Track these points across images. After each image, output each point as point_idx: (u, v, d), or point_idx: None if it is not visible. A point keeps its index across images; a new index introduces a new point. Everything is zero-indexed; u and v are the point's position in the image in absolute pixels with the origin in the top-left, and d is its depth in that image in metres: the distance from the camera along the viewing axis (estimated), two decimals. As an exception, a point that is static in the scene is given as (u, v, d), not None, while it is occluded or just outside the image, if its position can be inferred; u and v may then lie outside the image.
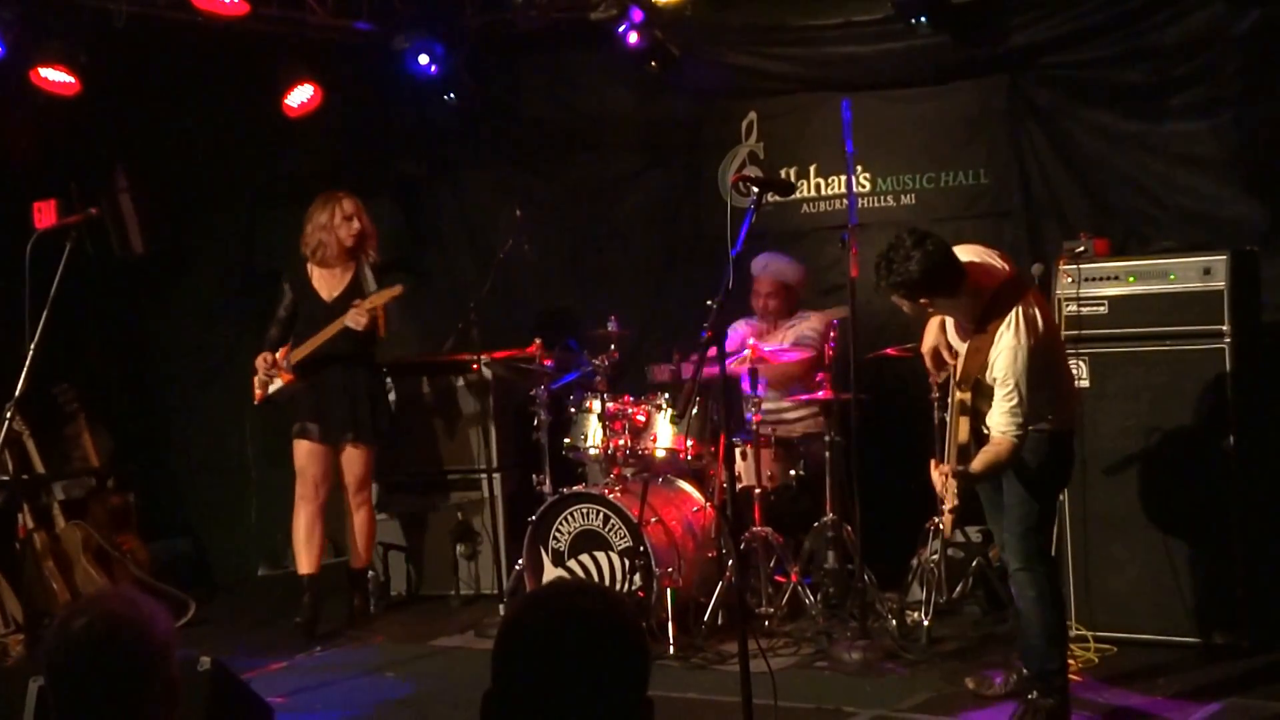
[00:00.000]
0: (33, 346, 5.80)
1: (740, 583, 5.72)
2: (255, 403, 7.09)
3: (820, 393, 6.50)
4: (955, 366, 4.92)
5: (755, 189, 4.81)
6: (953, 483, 4.71)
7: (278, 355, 6.93)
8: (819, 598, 6.31)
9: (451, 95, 8.02)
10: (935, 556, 6.21)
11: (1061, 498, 5.72)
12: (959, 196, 7.15)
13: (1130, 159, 6.66)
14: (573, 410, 6.77)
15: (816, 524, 6.43)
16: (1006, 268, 4.88)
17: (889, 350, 6.39)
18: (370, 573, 7.42)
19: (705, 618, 6.19)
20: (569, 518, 6.51)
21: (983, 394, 4.77)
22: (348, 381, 6.90)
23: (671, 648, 6.02)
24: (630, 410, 6.53)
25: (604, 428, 6.54)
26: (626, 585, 6.16)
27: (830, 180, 7.42)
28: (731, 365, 6.12)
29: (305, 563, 6.96)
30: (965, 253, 4.87)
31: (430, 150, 8.52)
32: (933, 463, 4.86)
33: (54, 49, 7.06)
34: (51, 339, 5.89)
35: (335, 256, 6.94)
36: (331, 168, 8.43)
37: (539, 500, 6.69)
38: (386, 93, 8.29)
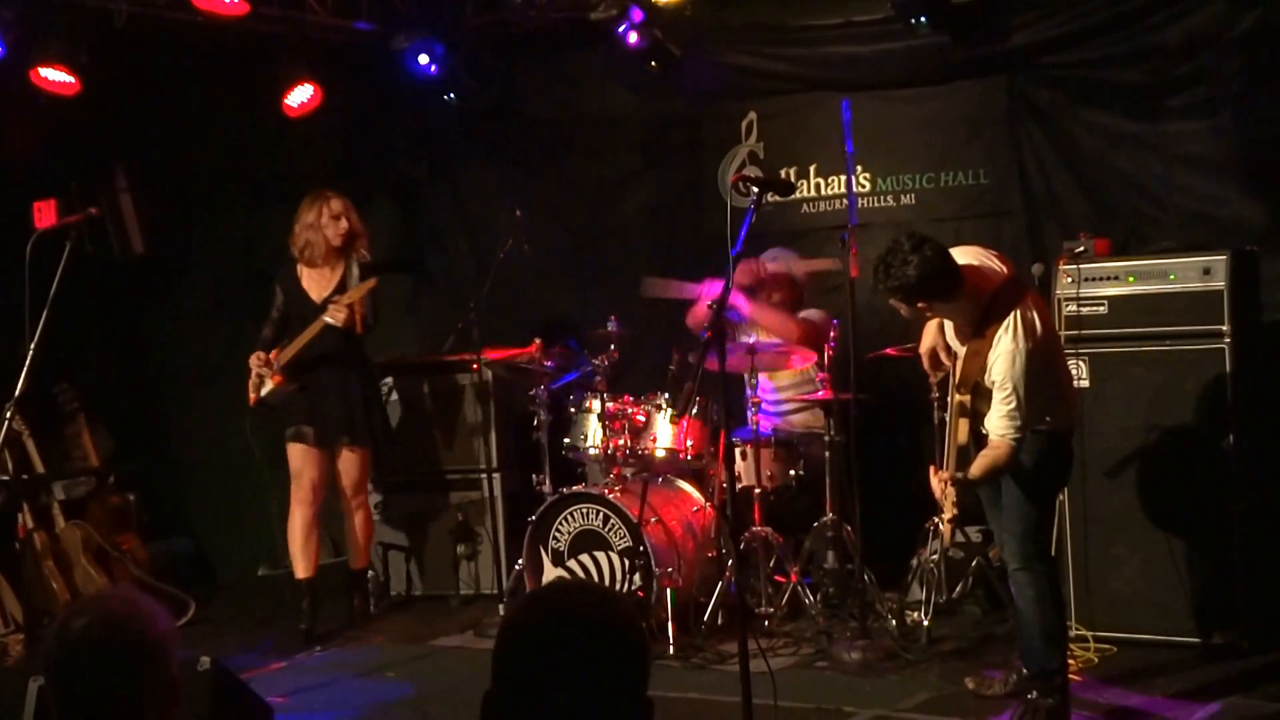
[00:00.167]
0: (33, 346, 5.80)
1: (740, 582, 5.72)
2: (250, 405, 7.04)
3: (820, 393, 6.50)
4: (954, 368, 4.92)
5: (755, 189, 4.80)
6: (951, 490, 4.71)
7: (270, 355, 6.89)
8: (819, 598, 6.31)
9: (451, 95, 8.03)
10: (935, 556, 6.22)
11: (1061, 497, 5.72)
12: (959, 196, 7.15)
13: (1130, 159, 6.66)
14: (572, 410, 6.77)
15: (816, 524, 6.43)
16: (1005, 270, 4.88)
17: (889, 350, 6.39)
18: (370, 572, 7.43)
19: (705, 618, 6.19)
20: (569, 518, 6.51)
21: (982, 396, 4.77)
22: (341, 383, 6.86)
23: (671, 648, 6.02)
24: (630, 410, 6.53)
25: (604, 428, 6.54)
26: (626, 585, 6.17)
27: (830, 180, 7.42)
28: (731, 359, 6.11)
29: (303, 567, 6.93)
30: (963, 255, 4.87)
31: (430, 150, 8.52)
32: (931, 469, 4.86)
33: (54, 49, 7.05)
34: (51, 339, 5.89)
35: (323, 256, 6.89)
36: (331, 168, 8.43)
37: (539, 500, 6.69)
38: (386, 93, 8.29)
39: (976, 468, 4.73)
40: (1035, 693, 4.90)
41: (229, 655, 6.03)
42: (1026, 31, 6.83)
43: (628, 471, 6.66)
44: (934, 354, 5.11)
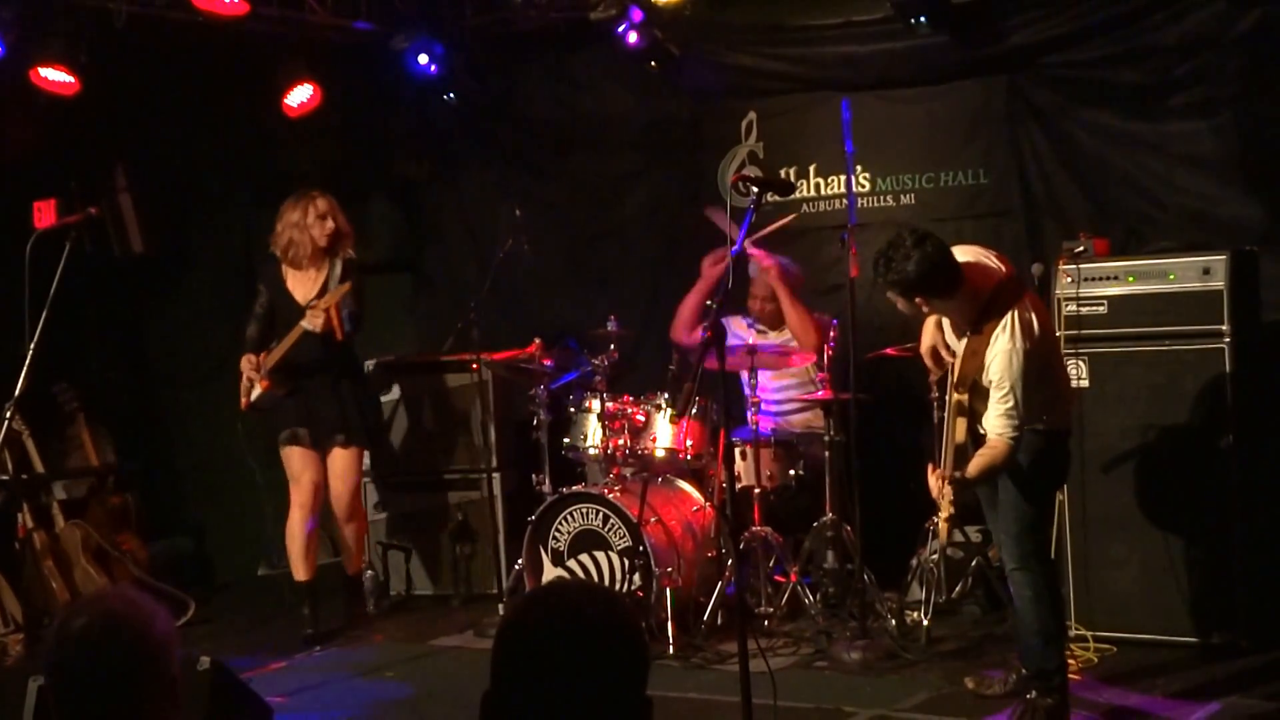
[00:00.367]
0: (32, 346, 5.81)
1: (740, 582, 5.72)
2: (242, 409, 6.95)
3: (820, 392, 6.50)
4: (953, 366, 4.92)
5: (755, 189, 4.80)
6: (948, 489, 4.71)
7: (260, 357, 6.79)
8: (818, 597, 6.31)
9: (451, 95, 8.03)
10: (935, 556, 6.21)
11: (1061, 497, 5.73)
12: (958, 196, 7.16)
13: (1130, 159, 6.66)
14: (572, 410, 6.77)
15: (816, 524, 6.43)
16: (1004, 269, 4.88)
17: (889, 350, 6.39)
18: (369, 572, 7.42)
19: (705, 617, 6.19)
20: (568, 517, 6.51)
21: (979, 395, 4.77)
22: (331, 385, 6.78)
23: (671, 647, 6.03)
24: (630, 410, 6.53)
25: (603, 427, 6.54)
26: (626, 585, 6.17)
27: (830, 180, 7.42)
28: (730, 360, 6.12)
29: (304, 570, 6.87)
30: (963, 254, 4.87)
31: (430, 150, 8.52)
32: (929, 467, 4.86)
33: (54, 49, 7.06)
34: (51, 339, 5.91)
35: (308, 257, 6.76)
36: (331, 168, 8.43)
37: (538, 500, 6.69)
38: (386, 92, 8.29)
39: (974, 467, 4.72)
40: (1034, 692, 4.89)
41: (229, 655, 6.02)
42: (1026, 31, 6.82)
43: (627, 471, 6.66)
44: (935, 351, 5.11)
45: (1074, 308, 5.88)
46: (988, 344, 4.70)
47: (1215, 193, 6.44)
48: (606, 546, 6.43)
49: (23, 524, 7.12)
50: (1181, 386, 5.74)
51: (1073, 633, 5.73)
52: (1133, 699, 5.21)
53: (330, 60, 7.88)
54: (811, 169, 7.47)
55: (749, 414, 6.50)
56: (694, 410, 6.40)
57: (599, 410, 6.55)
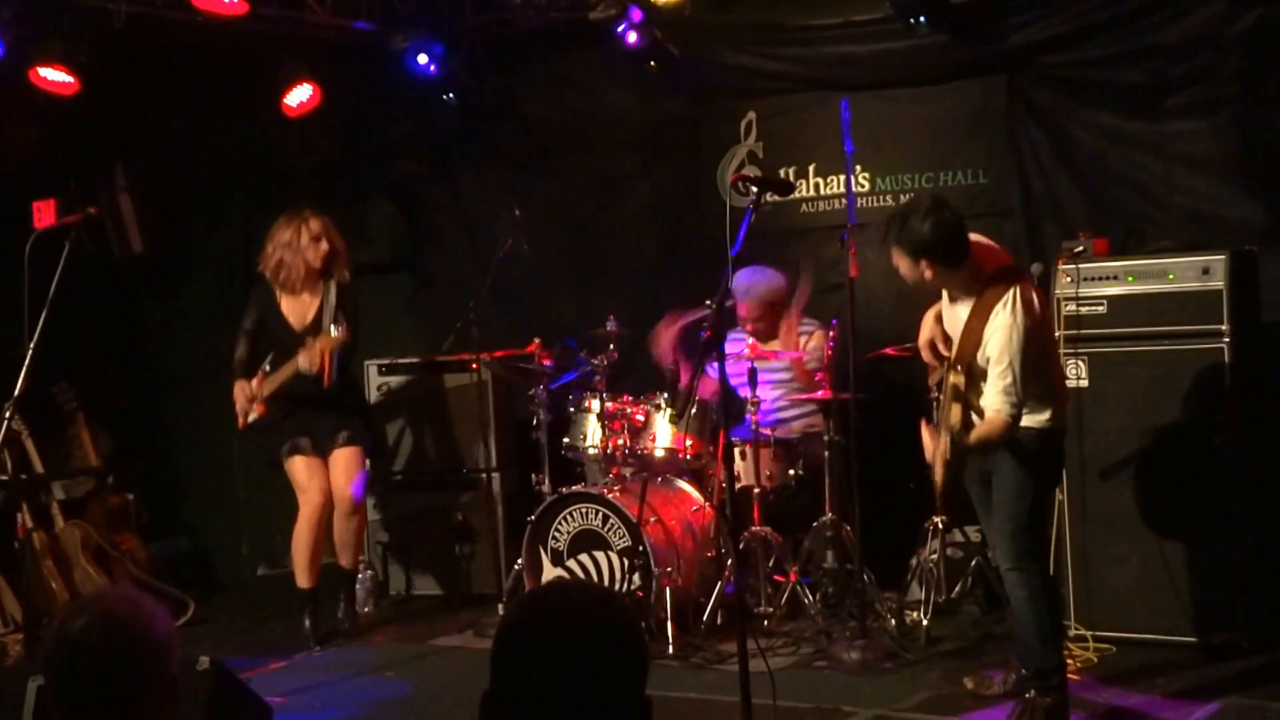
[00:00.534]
0: (32, 346, 5.81)
1: (739, 582, 5.72)
2: (239, 428, 6.88)
3: (820, 392, 6.50)
4: (951, 345, 4.93)
5: (754, 188, 4.80)
6: (943, 442, 4.68)
7: (254, 382, 6.73)
8: (818, 597, 6.32)
9: (451, 95, 8.03)
10: (934, 556, 6.22)
11: (1060, 497, 5.73)
12: (958, 196, 7.10)
13: (1130, 159, 6.66)
14: (572, 410, 6.77)
15: (815, 523, 6.43)
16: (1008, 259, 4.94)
17: (888, 350, 6.39)
18: (369, 571, 7.42)
19: (704, 617, 6.19)
20: (568, 517, 6.51)
21: (975, 382, 4.76)
22: (332, 397, 6.71)
23: (671, 647, 6.03)
24: (629, 410, 6.53)
25: (603, 427, 6.54)
26: (625, 585, 6.17)
27: (829, 180, 7.42)
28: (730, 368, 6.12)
29: (307, 577, 6.81)
30: (973, 236, 4.92)
31: (430, 150, 8.52)
32: (923, 422, 4.86)
33: (54, 49, 7.06)
34: (51, 339, 5.90)
35: (302, 280, 6.66)
36: (331, 168, 8.44)
37: (538, 500, 6.69)
38: (385, 92, 8.29)
39: (972, 436, 4.72)
40: (1033, 692, 4.90)
41: (229, 655, 6.02)
42: (1026, 31, 6.83)
43: (627, 471, 6.66)
44: (933, 346, 5.11)
45: (1073, 307, 5.88)
46: (987, 320, 4.71)
47: (1215, 192, 6.44)
48: (606, 546, 6.43)
49: (22, 524, 7.11)
50: (1181, 386, 5.73)
51: (1072, 632, 5.73)
52: (1133, 699, 5.21)
53: (330, 60, 7.88)
54: (811, 169, 7.47)
55: (748, 415, 6.50)
56: (693, 410, 6.40)
57: (598, 410, 6.55)
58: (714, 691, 5.47)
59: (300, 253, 6.62)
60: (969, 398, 4.75)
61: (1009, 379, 4.65)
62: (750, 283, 6.69)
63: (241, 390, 6.77)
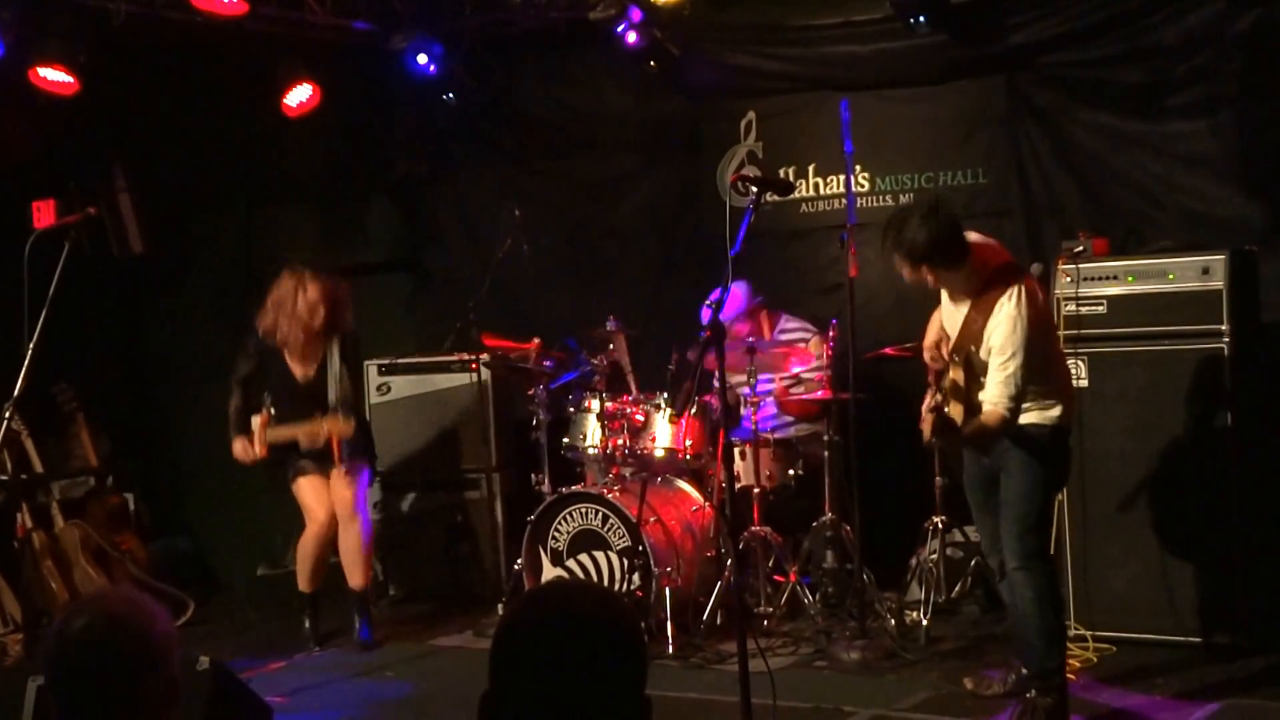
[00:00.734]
0: (32, 346, 5.80)
1: (739, 582, 5.72)
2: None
3: (820, 393, 6.50)
4: (949, 339, 4.93)
5: (754, 188, 4.81)
6: (930, 416, 4.68)
7: (256, 423, 6.67)
8: (818, 597, 6.32)
9: (450, 95, 8.03)
10: (934, 556, 6.22)
11: (1061, 497, 5.72)
12: (958, 196, 7.12)
13: (1129, 159, 6.66)
14: (571, 410, 6.77)
15: (815, 523, 6.43)
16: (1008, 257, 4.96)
17: (888, 350, 6.40)
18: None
19: (704, 617, 6.20)
20: (568, 517, 6.51)
21: (975, 377, 4.77)
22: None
23: (670, 647, 6.03)
24: (629, 410, 6.53)
25: (603, 427, 6.54)
26: (625, 585, 6.17)
27: (829, 180, 7.41)
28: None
29: (309, 581, 6.75)
30: (972, 236, 4.92)
31: (430, 150, 8.52)
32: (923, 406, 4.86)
33: (53, 49, 7.05)
34: (51, 339, 5.89)
35: (304, 343, 6.59)
36: (331, 168, 8.43)
37: (538, 500, 6.69)
38: (385, 92, 8.29)
39: (968, 429, 4.72)
40: (1034, 692, 4.90)
41: (229, 655, 6.02)
42: (1025, 31, 6.82)
43: (626, 471, 6.66)
44: (937, 349, 5.11)
45: (1073, 307, 5.88)
46: (990, 314, 4.71)
47: (1215, 193, 6.44)
48: (606, 546, 6.43)
49: (22, 524, 7.11)
50: (1181, 386, 5.74)
51: (1073, 632, 5.73)
52: (1133, 699, 5.22)
53: (329, 60, 7.87)
54: (810, 169, 7.47)
55: (747, 413, 6.50)
56: (693, 409, 6.40)
57: (598, 410, 6.55)
58: (714, 691, 5.48)
59: (295, 320, 6.55)
60: (969, 393, 4.75)
61: (1010, 369, 4.65)
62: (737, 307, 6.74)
63: (244, 449, 6.72)
